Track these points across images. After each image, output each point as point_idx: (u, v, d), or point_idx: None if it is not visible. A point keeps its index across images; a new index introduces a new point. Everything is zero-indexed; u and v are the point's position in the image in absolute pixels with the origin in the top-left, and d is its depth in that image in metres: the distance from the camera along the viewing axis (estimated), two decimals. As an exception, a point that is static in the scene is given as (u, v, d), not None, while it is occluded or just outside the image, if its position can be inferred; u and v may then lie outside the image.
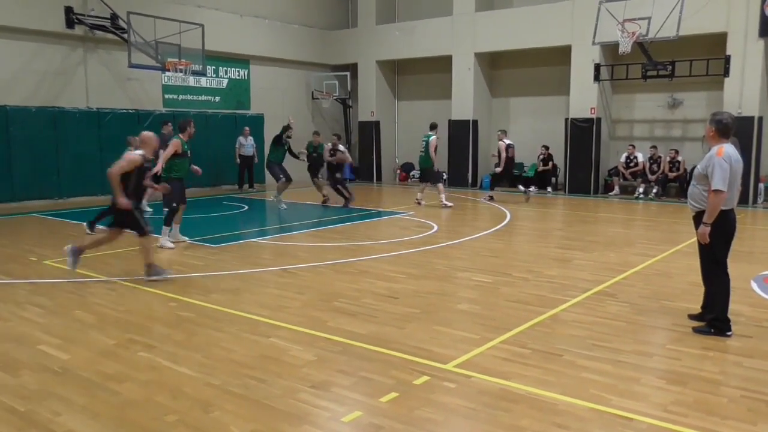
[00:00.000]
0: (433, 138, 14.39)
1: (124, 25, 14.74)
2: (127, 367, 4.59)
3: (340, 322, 5.66)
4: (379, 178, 21.59)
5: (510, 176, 15.92)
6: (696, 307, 5.66)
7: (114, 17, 15.18)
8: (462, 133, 19.17)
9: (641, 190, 16.16)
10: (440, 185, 14.47)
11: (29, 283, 7.16)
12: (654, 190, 15.96)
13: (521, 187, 15.61)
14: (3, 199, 13.94)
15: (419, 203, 14.36)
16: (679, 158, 15.83)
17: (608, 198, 16.42)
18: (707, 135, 5.38)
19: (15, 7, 13.97)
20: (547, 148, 17.85)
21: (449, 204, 14.03)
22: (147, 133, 7.45)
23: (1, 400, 4.01)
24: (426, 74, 21.24)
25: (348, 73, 21.36)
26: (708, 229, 5.15)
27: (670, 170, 15.86)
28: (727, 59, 14.71)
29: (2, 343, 5.11)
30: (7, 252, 8.97)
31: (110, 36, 15.39)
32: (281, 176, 13.21)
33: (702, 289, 5.54)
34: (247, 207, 14.46)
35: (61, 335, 5.32)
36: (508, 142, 15.37)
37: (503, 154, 15.18)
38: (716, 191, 5.02)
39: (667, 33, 14.04)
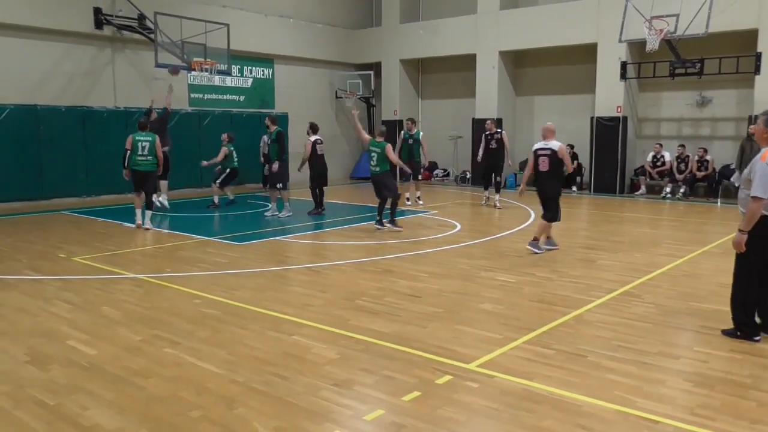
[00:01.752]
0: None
1: (151, 26, 14.93)
2: (153, 362, 4.65)
3: (363, 320, 5.67)
4: (401, 177, 21.54)
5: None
6: (724, 309, 5.56)
7: (141, 18, 15.40)
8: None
9: (668, 189, 15.91)
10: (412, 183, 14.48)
11: (58, 280, 7.29)
12: (681, 190, 15.70)
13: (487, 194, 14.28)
14: (33, 197, 14.22)
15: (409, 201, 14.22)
16: (708, 157, 15.54)
17: (634, 198, 16.20)
18: (758, 135, 5.02)
19: (45, 8, 14.24)
20: (572, 147, 17.66)
21: (408, 202, 14.13)
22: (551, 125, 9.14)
23: (32, 394, 4.09)
24: (450, 73, 21.17)
25: (372, 72, 21.38)
26: (744, 237, 4.87)
27: (698, 169, 15.60)
28: (758, 56, 14.41)
29: (32, 338, 5.22)
30: (36, 249, 9.15)
31: (137, 36, 15.61)
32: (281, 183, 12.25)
33: (729, 291, 5.42)
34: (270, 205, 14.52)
35: (88, 331, 5.41)
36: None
37: (507, 146, 13.88)
38: (755, 198, 4.72)
39: (696, 30, 13.80)
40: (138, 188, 10.84)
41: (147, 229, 10.60)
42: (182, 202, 14.93)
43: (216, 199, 13.67)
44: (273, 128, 12.06)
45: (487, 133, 13.98)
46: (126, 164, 10.87)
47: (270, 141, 12.11)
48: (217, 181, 13.58)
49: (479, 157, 14.21)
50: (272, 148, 12.07)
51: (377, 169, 10.81)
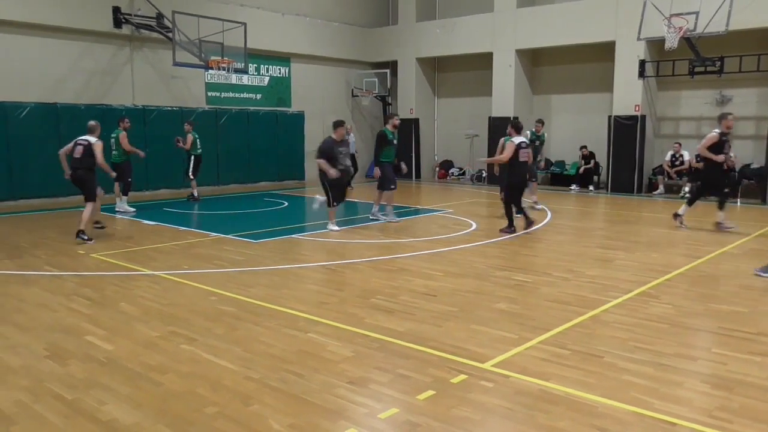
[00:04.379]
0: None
1: (169, 24, 15.06)
2: (170, 359, 4.69)
3: (378, 318, 5.67)
4: (418, 176, 21.56)
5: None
6: (743, 310, 5.49)
7: (159, 16, 15.53)
8: (503, 131, 18.94)
9: (687, 189, 15.75)
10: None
11: (77, 276, 7.38)
12: (700, 190, 15.52)
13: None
14: (53, 194, 14.40)
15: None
16: (732, 154, 15.35)
17: (652, 197, 16.04)
18: None
19: (66, 8, 14.41)
20: (586, 147, 17.56)
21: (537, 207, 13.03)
22: None
23: (50, 388, 4.15)
24: (466, 71, 21.11)
25: (388, 71, 21.39)
26: None
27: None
28: (780, 54, 14.23)
29: (52, 333, 5.29)
30: (56, 245, 9.26)
31: (155, 35, 15.75)
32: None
33: (749, 292, 5.36)
34: (286, 203, 14.61)
35: (106, 327, 5.47)
36: None
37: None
38: None
39: (716, 28, 13.64)
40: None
41: (118, 210, 12.46)
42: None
43: (195, 192, 14.59)
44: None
45: (724, 132, 10.32)
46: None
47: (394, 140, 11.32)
48: (190, 173, 14.43)
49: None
50: (393, 150, 11.34)
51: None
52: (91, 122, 9.97)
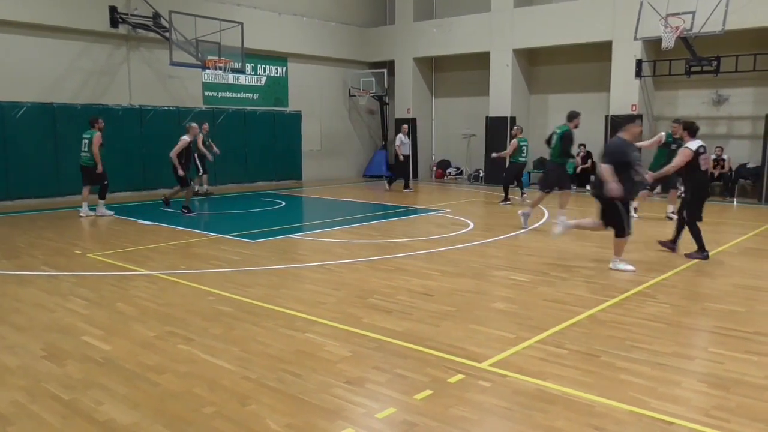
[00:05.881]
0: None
1: (166, 24, 15.04)
2: (167, 359, 4.68)
3: (376, 318, 5.67)
4: (415, 176, 21.55)
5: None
6: (740, 309, 5.50)
7: (156, 16, 15.51)
8: (499, 130, 19.00)
9: (683, 189, 15.76)
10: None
11: (74, 276, 7.36)
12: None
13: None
14: (50, 194, 14.38)
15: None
16: (724, 156, 15.42)
17: (650, 197, 16.05)
18: None
19: (62, 7, 14.38)
20: (584, 145, 17.58)
21: (636, 215, 11.61)
22: None
23: (47, 388, 4.14)
24: (463, 71, 21.12)
25: (385, 71, 21.39)
26: None
27: (714, 168, 15.45)
28: (776, 54, 14.26)
29: (48, 334, 5.28)
30: (53, 245, 9.24)
31: (152, 35, 15.73)
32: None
33: (745, 291, 5.37)
34: (283, 203, 14.60)
35: (103, 327, 5.46)
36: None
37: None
38: None
39: (713, 27, 13.68)
40: (83, 181, 12.08)
41: (99, 215, 11.97)
42: (195, 199, 15.01)
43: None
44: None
45: None
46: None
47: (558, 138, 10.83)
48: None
49: None
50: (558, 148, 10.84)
51: (526, 158, 13.92)
52: (191, 124, 12.70)
